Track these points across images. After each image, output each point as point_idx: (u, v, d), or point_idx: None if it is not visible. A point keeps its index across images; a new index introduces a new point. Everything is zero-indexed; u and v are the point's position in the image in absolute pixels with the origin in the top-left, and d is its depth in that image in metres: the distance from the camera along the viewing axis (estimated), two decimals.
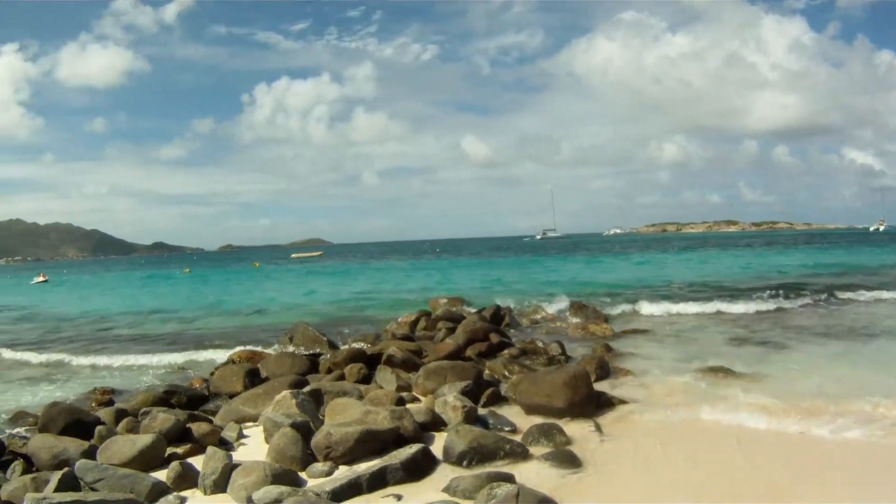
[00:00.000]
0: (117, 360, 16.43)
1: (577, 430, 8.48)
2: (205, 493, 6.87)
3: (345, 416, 8.52)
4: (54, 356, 17.84)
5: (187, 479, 7.07)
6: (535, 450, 7.68)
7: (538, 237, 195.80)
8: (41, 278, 73.65)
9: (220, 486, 6.85)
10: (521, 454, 7.49)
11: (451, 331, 15.35)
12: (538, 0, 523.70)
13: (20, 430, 9.78)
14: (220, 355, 15.74)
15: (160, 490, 6.77)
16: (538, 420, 8.79)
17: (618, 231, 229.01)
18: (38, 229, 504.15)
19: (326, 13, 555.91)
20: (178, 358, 16.13)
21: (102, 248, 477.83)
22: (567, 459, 7.34)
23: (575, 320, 18.88)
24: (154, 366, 15.62)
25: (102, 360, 16.74)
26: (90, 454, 7.68)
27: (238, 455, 7.93)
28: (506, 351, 13.79)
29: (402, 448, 7.33)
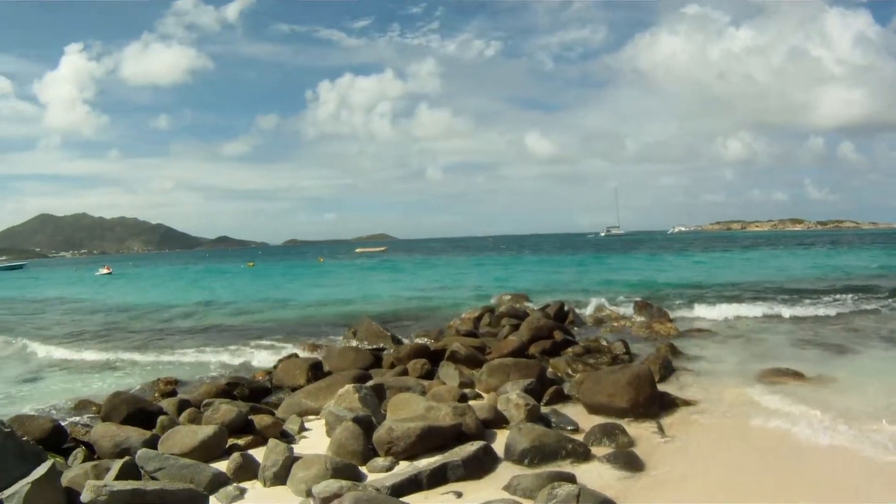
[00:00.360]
0: (181, 351, 16.70)
1: (639, 430, 8.32)
2: (264, 485, 6.90)
3: (407, 412, 8.49)
4: (118, 347, 18.24)
5: (248, 470, 7.12)
6: (596, 450, 7.53)
7: (602, 234, 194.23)
8: (105, 270, 76.47)
9: (281, 478, 6.87)
10: (582, 454, 7.34)
11: (515, 328, 15.22)
12: None
13: (83, 418, 9.98)
14: (283, 348, 15.90)
15: (220, 481, 6.82)
16: (601, 419, 8.63)
17: (682, 229, 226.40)
18: (104, 223, 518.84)
19: (389, 10, 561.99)
20: (240, 350, 16.30)
21: (167, 241, 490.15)
22: (629, 461, 7.18)
23: (639, 319, 18.49)
24: (217, 357, 15.76)
25: (166, 350, 17.04)
26: (152, 443, 7.79)
27: (299, 448, 7.96)
28: (570, 349, 13.60)
29: (463, 445, 7.25)
